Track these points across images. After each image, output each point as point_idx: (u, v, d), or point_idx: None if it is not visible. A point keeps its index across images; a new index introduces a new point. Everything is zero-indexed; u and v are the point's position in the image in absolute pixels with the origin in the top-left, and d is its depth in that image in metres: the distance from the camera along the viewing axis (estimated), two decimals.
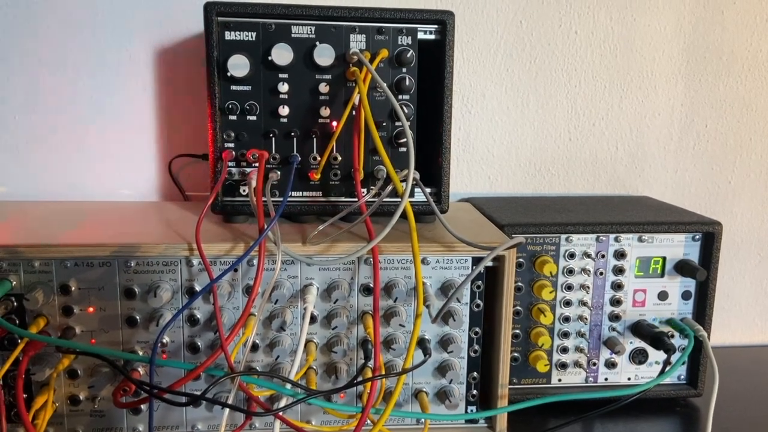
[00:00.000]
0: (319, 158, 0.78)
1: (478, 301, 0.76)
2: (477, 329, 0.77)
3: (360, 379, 0.71)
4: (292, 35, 0.76)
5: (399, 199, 0.70)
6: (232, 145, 0.78)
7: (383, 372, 0.73)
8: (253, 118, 0.78)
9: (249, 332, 0.66)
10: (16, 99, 0.94)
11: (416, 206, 0.80)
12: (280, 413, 0.64)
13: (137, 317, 0.72)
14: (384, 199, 0.73)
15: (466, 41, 0.99)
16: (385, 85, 0.70)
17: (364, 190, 0.77)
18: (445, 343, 0.76)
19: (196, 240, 0.68)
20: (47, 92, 0.94)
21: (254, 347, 0.74)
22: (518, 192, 1.05)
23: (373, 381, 0.67)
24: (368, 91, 0.76)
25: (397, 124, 0.79)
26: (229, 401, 0.64)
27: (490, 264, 0.74)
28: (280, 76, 0.77)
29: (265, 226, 0.67)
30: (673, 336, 0.86)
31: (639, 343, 0.86)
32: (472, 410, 0.78)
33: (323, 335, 0.75)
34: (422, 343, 0.75)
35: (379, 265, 0.71)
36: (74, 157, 0.96)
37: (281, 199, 0.75)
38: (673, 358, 0.80)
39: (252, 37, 0.76)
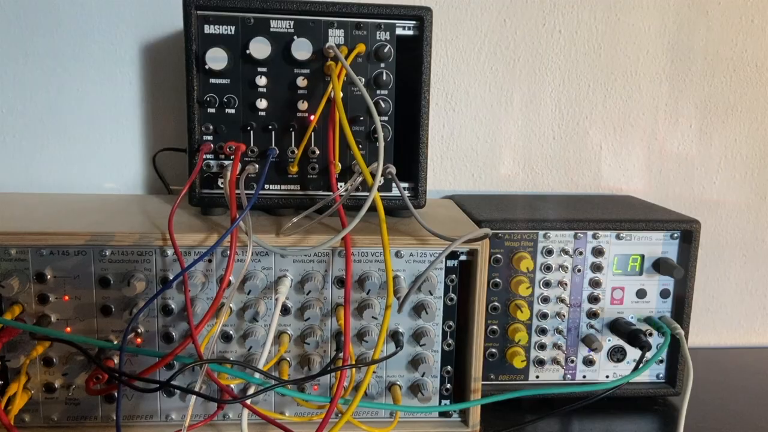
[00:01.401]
0: (297, 151, 0.79)
1: (452, 295, 0.76)
2: (450, 323, 0.77)
3: (335, 367, 0.71)
4: (271, 29, 0.77)
5: (385, 194, 0.70)
6: (210, 137, 0.79)
7: (352, 362, 0.73)
8: (232, 111, 0.78)
9: (220, 322, 0.67)
10: (1, 92, 0.95)
11: (393, 201, 0.81)
12: (248, 401, 0.64)
13: (112, 306, 0.73)
14: (360, 193, 0.74)
15: (450, 39, 0.99)
16: (357, 78, 0.71)
17: (342, 184, 0.78)
18: (418, 336, 0.76)
19: (168, 229, 0.68)
20: (32, 85, 0.95)
21: (228, 338, 0.75)
22: (502, 190, 1.05)
23: (341, 371, 0.67)
24: (346, 86, 0.77)
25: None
26: (197, 388, 0.64)
27: (464, 258, 0.75)
28: (259, 69, 0.78)
29: (237, 217, 0.68)
30: (651, 334, 0.86)
31: (617, 341, 0.86)
32: (445, 404, 0.78)
33: (297, 327, 0.75)
34: (395, 336, 0.76)
35: (351, 256, 0.71)
36: (58, 150, 0.97)
37: (249, 191, 0.75)
38: (649, 355, 0.80)
39: (231, 30, 0.77)
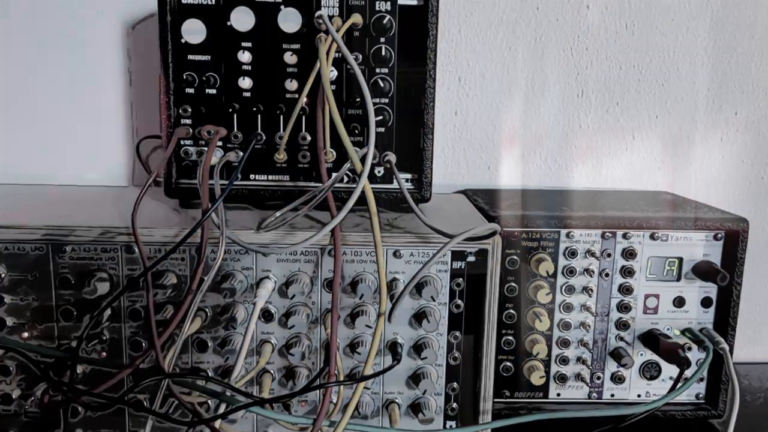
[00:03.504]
0: (284, 137, 0.71)
1: (458, 301, 0.67)
2: (457, 333, 0.68)
3: (316, 384, 0.62)
4: None
5: (375, 185, 0.63)
6: (189, 121, 0.71)
7: (341, 377, 0.64)
8: (213, 91, 0.71)
9: (185, 330, 0.58)
10: None
11: (395, 194, 0.73)
12: (217, 423, 0.55)
13: (73, 309, 0.65)
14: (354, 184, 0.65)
15: (464, 16, 0.92)
16: (347, 51, 0.62)
17: (336, 174, 0.69)
18: (419, 347, 0.67)
19: (131, 223, 0.60)
20: (4, 67, 0.89)
21: (203, 346, 0.66)
22: (521, 184, 0.98)
23: (326, 388, 0.58)
24: (342, 63, 0.69)
25: (374, 100, 0.71)
26: (156, 407, 0.55)
27: (472, 259, 0.66)
28: (242, 44, 0.70)
29: (209, 210, 0.59)
30: (690, 348, 0.78)
31: (650, 356, 0.78)
32: (450, 426, 0.69)
33: (281, 335, 0.67)
34: (393, 348, 0.67)
35: (340, 255, 0.62)
36: (34, 138, 0.91)
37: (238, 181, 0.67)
38: (689, 373, 0.72)
39: (211, 0, 0.69)
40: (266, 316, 0.66)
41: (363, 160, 0.59)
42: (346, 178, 0.72)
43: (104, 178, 0.91)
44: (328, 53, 0.64)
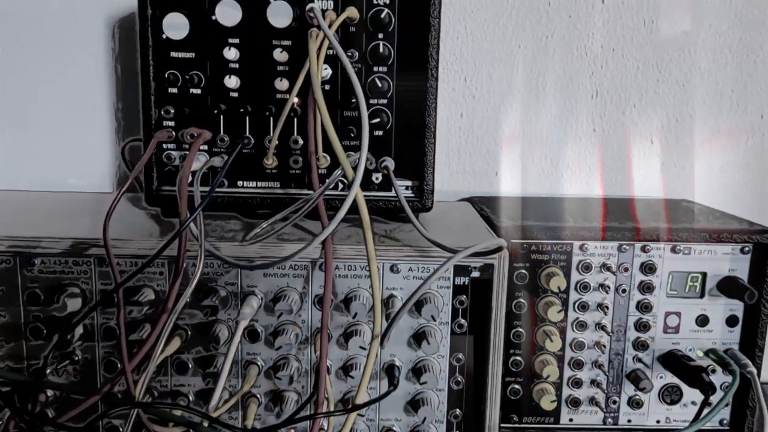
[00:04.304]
0: (273, 140, 0.66)
1: (461, 321, 0.62)
2: (459, 355, 0.63)
3: (301, 415, 0.57)
4: None
5: (372, 192, 0.58)
6: (171, 123, 0.66)
7: (331, 405, 0.58)
8: (197, 91, 0.66)
9: (156, 355, 0.53)
10: None
11: (394, 202, 0.67)
12: None
13: (43, 327, 0.60)
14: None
15: (470, 11, 0.88)
16: (338, 46, 0.56)
17: (327, 181, 0.63)
18: (418, 371, 0.62)
19: (103, 234, 0.55)
20: None
21: (183, 368, 0.61)
22: (531, 192, 0.92)
23: (313, 419, 0.52)
24: (334, 60, 0.64)
25: (371, 101, 0.66)
26: None
27: (476, 274, 0.61)
28: (229, 40, 0.65)
29: (186, 220, 0.54)
30: (714, 371, 0.73)
31: (671, 378, 0.73)
32: None
33: (268, 356, 0.62)
34: (390, 371, 0.62)
35: (332, 269, 0.57)
36: (14, 141, 0.86)
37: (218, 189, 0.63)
38: (714, 398, 0.67)
39: None
40: (251, 335, 0.61)
41: (357, 166, 0.54)
42: (340, 185, 0.67)
43: (88, 184, 0.87)
44: (319, 50, 0.59)
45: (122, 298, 0.55)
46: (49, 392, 0.60)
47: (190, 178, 0.61)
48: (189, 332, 0.61)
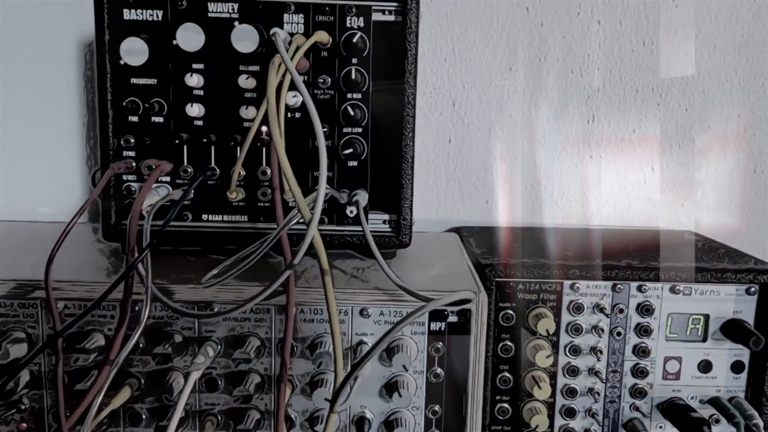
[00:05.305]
0: (242, 172, 0.62)
1: (437, 370, 0.58)
2: (436, 407, 0.58)
3: None
4: (209, 14, 0.62)
5: (346, 227, 0.55)
6: (132, 153, 0.63)
7: None
8: (159, 119, 0.62)
9: (92, 415, 0.49)
10: None
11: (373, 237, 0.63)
12: None
13: None
14: (326, 227, 0.57)
15: (457, 31, 0.85)
16: (297, 75, 0.52)
17: (288, 217, 0.59)
18: (390, 424, 0.57)
19: (45, 275, 0.51)
20: None
21: (136, 419, 0.57)
22: (523, 221, 0.89)
23: None
24: (310, 88, 0.62)
25: (345, 130, 0.62)
26: None
27: (454, 319, 0.56)
28: (192, 66, 0.61)
29: (134, 260, 0.50)
30: (718, 421, 0.70)
31: (671, 429, 0.70)
32: None
33: (227, 407, 0.57)
34: (360, 424, 0.57)
35: (292, 314, 0.53)
36: None
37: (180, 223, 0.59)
38: None
39: (158, 16, 0.62)
40: (209, 384, 0.57)
41: (315, 206, 0.49)
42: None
43: (58, 212, 0.85)
44: (283, 77, 0.55)
45: (61, 346, 0.51)
46: None
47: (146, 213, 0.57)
48: (142, 381, 0.56)
